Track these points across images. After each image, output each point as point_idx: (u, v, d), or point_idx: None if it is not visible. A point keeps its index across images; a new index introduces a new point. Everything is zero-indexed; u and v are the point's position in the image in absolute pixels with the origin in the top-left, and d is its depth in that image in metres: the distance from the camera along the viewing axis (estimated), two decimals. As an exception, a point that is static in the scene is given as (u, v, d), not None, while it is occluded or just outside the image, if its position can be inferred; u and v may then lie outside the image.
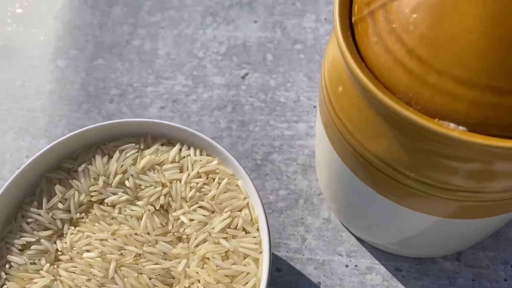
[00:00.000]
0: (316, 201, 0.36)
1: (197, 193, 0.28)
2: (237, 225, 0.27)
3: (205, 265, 0.27)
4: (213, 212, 0.28)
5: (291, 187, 0.37)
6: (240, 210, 0.28)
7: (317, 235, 0.35)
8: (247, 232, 0.27)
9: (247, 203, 0.28)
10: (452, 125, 0.20)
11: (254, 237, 0.27)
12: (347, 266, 0.33)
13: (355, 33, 0.23)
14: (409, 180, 0.24)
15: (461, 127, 0.20)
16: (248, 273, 0.26)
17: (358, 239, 0.34)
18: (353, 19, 0.23)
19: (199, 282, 0.26)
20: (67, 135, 0.29)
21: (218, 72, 0.42)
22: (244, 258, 0.26)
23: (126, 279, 0.27)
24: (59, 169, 0.30)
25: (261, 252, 0.27)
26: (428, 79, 0.20)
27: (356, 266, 0.33)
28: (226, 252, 0.27)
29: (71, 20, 0.46)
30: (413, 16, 0.20)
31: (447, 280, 0.32)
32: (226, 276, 0.26)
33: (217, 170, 0.29)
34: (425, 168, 0.23)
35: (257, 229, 0.27)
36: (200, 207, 0.28)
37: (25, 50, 0.45)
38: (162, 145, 0.30)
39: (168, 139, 0.30)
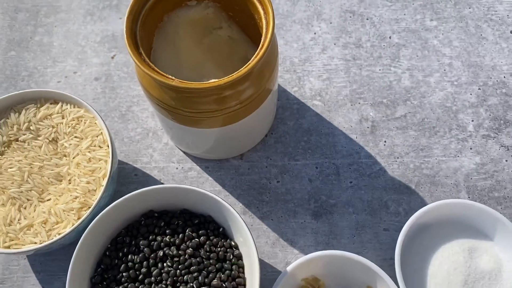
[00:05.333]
0: (160, 133, 0.57)
1: (73, 129, 0.49)
2: (95, 144, 0.49)
3: (78, 167, 0.48)
4: (82, 138, 0.49)
5: (144, 126, 0.58)
6: (97, 136, 0.49)
7: (160, 153, 0.57)
8: (100, 147, 0.49)
9: (101, 132, 0.49)
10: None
11: (104, 150, 0.48)
12: (177, 168, 0.56)
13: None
14: (186, 113, 0.46)
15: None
16: (101, 168, 0.48)
17: (185, 152, 0.56)
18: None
19: (75, 176, 0.48)
20: (-9, 102, 0.49)
21: (95, 55, 0.62)
22: (99, 161, 0.48)
23: (34, 180, 0.48)
24: (-12, 123, 0.50)
25: (107, 159, 0.48)
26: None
27: (182, 168, 0.56)
28: (89, 158, 0.48)
29: (-12, 24, 0.64)
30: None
31: (234, 170, 0.55)
32: (89, 170, 0.47)
33: (84, 115, 0.50)
34: (190, 105, 0.45)
35: (107, 145, 0.49)
36: (76, 137, 0.49)
37: (-44, 48, 0.63)
38: (51, 103, 0.50)
39: (54, 99, 0.51)
